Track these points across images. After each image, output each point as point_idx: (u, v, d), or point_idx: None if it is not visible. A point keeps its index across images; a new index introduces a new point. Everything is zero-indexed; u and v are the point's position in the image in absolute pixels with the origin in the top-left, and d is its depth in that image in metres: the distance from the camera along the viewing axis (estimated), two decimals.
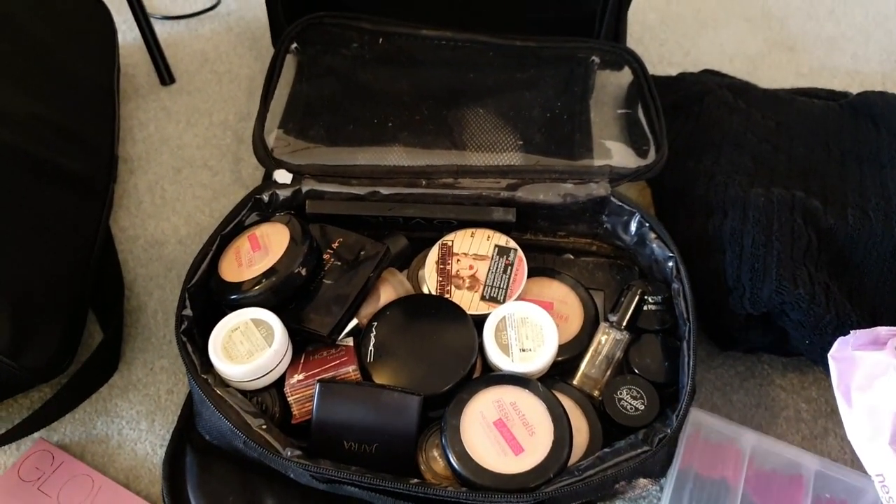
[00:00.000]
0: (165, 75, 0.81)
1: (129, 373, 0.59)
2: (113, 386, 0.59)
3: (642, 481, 0.48)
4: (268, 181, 0.60)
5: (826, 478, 0.49)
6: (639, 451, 0.45)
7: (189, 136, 0.77)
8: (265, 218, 0.58)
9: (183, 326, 0.51)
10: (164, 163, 0.75)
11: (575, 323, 0.55)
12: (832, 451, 0.54)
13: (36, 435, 0.55)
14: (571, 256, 0.62)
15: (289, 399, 0.50)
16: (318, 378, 0.49)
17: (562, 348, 0.53)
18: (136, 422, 0.56)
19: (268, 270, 0.52)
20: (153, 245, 0.69)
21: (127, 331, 0.62)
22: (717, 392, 0.57)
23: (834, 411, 0.56)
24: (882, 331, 0.44)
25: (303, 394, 0.49)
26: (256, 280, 0.52)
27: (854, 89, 0.74)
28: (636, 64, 0.68)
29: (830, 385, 0.56)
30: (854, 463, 0.52)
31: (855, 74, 0.83)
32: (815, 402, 0.56)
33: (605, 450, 0.46)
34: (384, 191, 0.59)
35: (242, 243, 0.55)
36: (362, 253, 0.55)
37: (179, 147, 0.76)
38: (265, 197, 0.59)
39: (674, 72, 0.78)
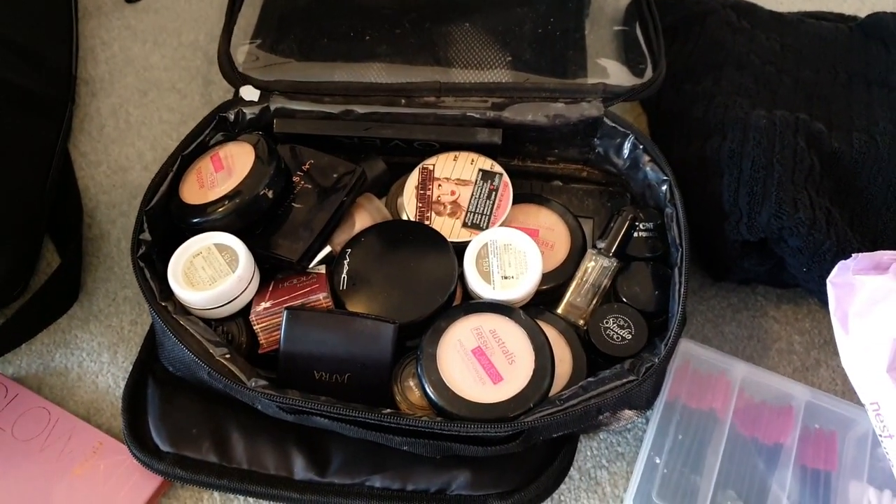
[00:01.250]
0: None
1: (90, 303, 0.56)
2: (73, 317, 0.56)
3: (627, 413, 0.46)
4: (234, 99, 0.56)
5: (816, 408, 0.47)
6: (624, 380, 0.43)
7: (156, 57, 0.72)
8: (230, 138, 0.54)
9: (140, 251, 0.48)
10: (128, 85, 0.70)
11: (561, 251, 0.52)
12: (823, 382, 0.52)
13: None
14: (560, 183, 0.58)
15: (255, 328, 0.47)
16: (286, 306, 0.46)
17: (547, 276, 0.50)
18: (97, 354, 0.54)
19: (231, 192, 0.48)
20: (116, 171, 0.65)
21: (88, 259, 0.59)
22: (709, 324, 0.54)
23: (827, 343, 0.54)
24: (884, 255, 0.42)
25: (270, 322, 0.47)
26: (219, 202, 0.48)
27: (864, 13, 0.69)
28: None
29: (825, 317, 0.54)
30: (846, 394, 0.51)
31: None
32: (808, 333, 0.54)
33: (589, 379, 0.44)
34: (360, 109, 0.55)
35: (205, 164, 0.51)
36: (335, 176, 0.52)
37: (145, 68, 0.71)
38: (230, 115, 0.55)
39: None
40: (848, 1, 0.78)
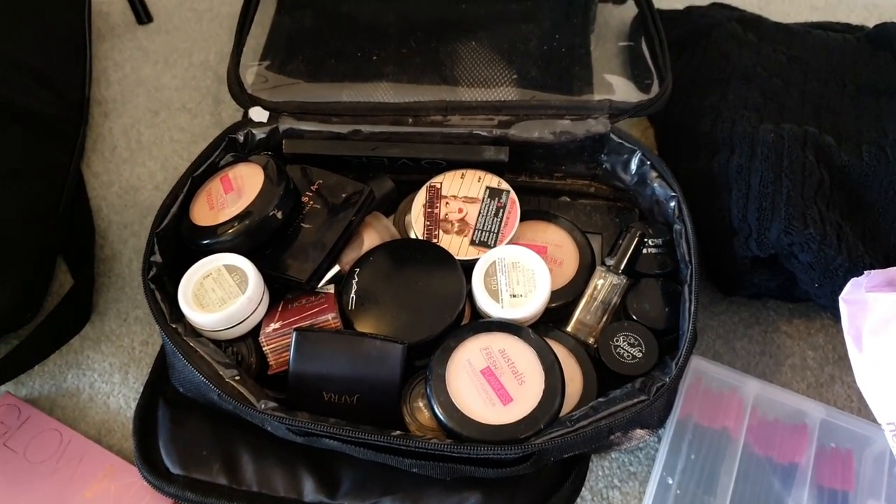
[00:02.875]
0: (142, 13, 0.76)
1: (102, 324, 0.57)
2: (85, 337, 0.56)
3: (639, 432, 0.45)
4: (244, 120, 0.56)
5: (831, 426, 0.47)
6: (635, 400, 0.43)
7: (167, 78, 0.73)
8: (240, 159, 0.54)
9: (151, 273, 0.48)
10: (140, 105, 0.71)
11: (570, 267, 0.52)
12: (838, 399, 0.51)
13: (2, 388, 0.52)
14: (568, 199, 0.58)
15: (264, 349, 0.47)
16: (295, 326, 0.46)
17: (555, 294, 0.50)
18: (108, 374, 0.54)
19: (241, 213, 0.48)
20: (128, 191, 0.65)
21: (100, 280, 0.59)
22: (720, 339, 0.54)
23: (841, 358, 0.53)
24: None
25: (279, 343, 0.47)
26: (229, 223, 0.48)
27: (871, 23, 0.68)
28: None
29: (838, 332, 0.54)
30: (861, 411, 0.50)
31: (873, 8, 0.78)
32: (821, 349, 0.54)
33: (600, 399, 0.44)
34: (368, 129, 0.55)
35: (215, 185, 0.52)
36: (344, 195, 0.52)
37: (157, 89, 0.72)
38: (240, 136, 0.55)
39: (680, 5, 0.73)
40: (855, 11, 0.77)
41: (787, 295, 0.54)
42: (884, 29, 0.64)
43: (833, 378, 0.52)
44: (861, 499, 0.44)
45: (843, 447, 0.46)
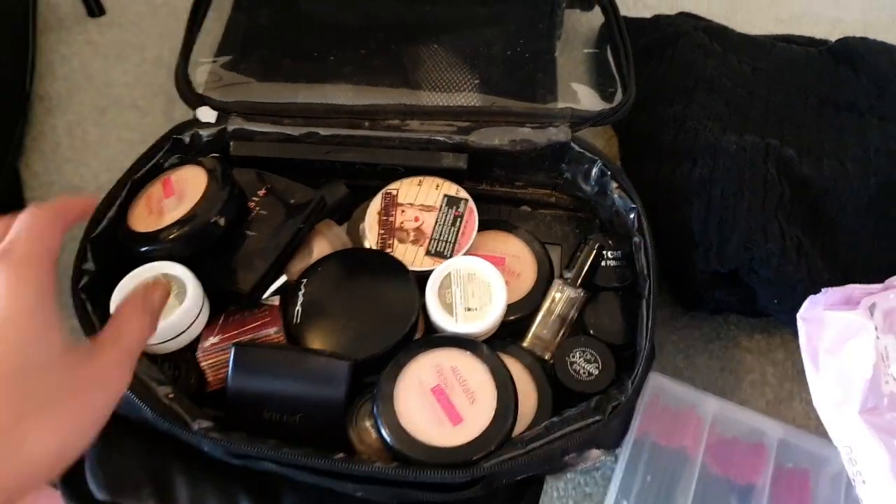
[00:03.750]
0: (94, 5, 0.72)
1: None
2: None
3: (594, 452, 0.44)
4: (191, 120, 0.53)
5: (789, 446, 0.46)
6: (589, 420, 0.41)
7: (117, 73, 0.69)
8: (186, 161, 0.52)
9: (83, 282, 0.45)
10: (87, 102, 0.67)
11: (528, 280, 0.50)
12: (797, 416, 0.51)
13: None
14: (528, 208, 0.56)
15: (202, 364, 0.44)
16: (234, 341, 0.44)
17: (512, 307, 0.48)
18: None
19: (181, 219, 0.46)
20: (69, 192, 0.62)
21: None
22: (680, 354, 0.53)
23: (800, 374, 0.52)
24: (855, 289, 0.40)
25: (218, 358, 0.44)
26: (168, 229, 0.45)
27: (834, 38, 0.68)
28: (607, 2, 0.62)
29: (798, 347, 0.53)
30: (819, 429, 0.49)
31: (836, 22, 0.78)
32: (781, 364, 0.53)
33: (553, 419, 0.42)
34: (322, 132, 0.53)
35: (156, 189, 0.49)
36: (293, 202, 0.49)
37: (106, 85, 0.68)
38: (186, 137, 0.53)
39: (648, 14, 0.72)
40: (819, 24, 0.77)
41: (748, 310, 0.53)
42: (845, 43, 0.64)
43: (792, 394, 0.51)
44: None
45: (800, 467, 0.46)
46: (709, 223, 0.48)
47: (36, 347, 0.27)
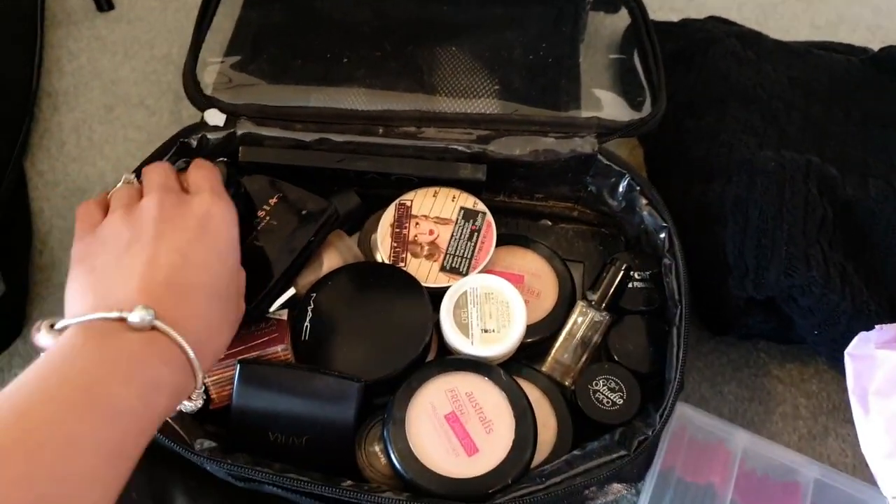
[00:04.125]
0: (103, 0, 0.71)
1: None
2: (14, 354, 0.51)
3: (616, 486, 0.41)
4: (199, 123, 0.51)
5: (825, 487, 0.43)
6: (614, 455, 0.39)
7: (125, 70, 0.67)
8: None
9: None
10: (94, 99, 0.65)
11: (548, 300, 0.48)
12: (832, 453, 0.47)
13: None
14: (549, 222, 0.54)
15: (206, 381, 0.42)
16: (239, 358, 0.41)
17: (531, 329, 0.46)
18: None
19: None
20: (74, 193, 0.60)
21: (36, 290, 0.54)
22: (706, 382, 0.50)
23: (836, 408, 0.49)
24: None
25: (222, 375, 0.42)
26: None
27: (875, 45, 0.65)
28: (634, 4, 0.59)
29: (834, 378, 0.50)
30: (857, 469, 0.46)
31: (876, 29, 0.74)
32: (815, 396, 0.50)
33: (575, 452, 0.40)
34: (334, 138, 0.50)
35: None
36: (304, 212, 0.47)
37: (114, 82, 0.66)
38: (193, 141, 0.50)
39: (676, 17, 0.69)
40: (858, 31, 0.74)
41: (782, 337, 0.50)
42: (890, 53, 0.60)
43: (827, 430, 0.48)
44: None
45: None
46: (745, 247, 0.45)
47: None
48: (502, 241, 0.49)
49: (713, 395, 0.49)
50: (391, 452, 0.39)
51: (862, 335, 0.37)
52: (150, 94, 0.66)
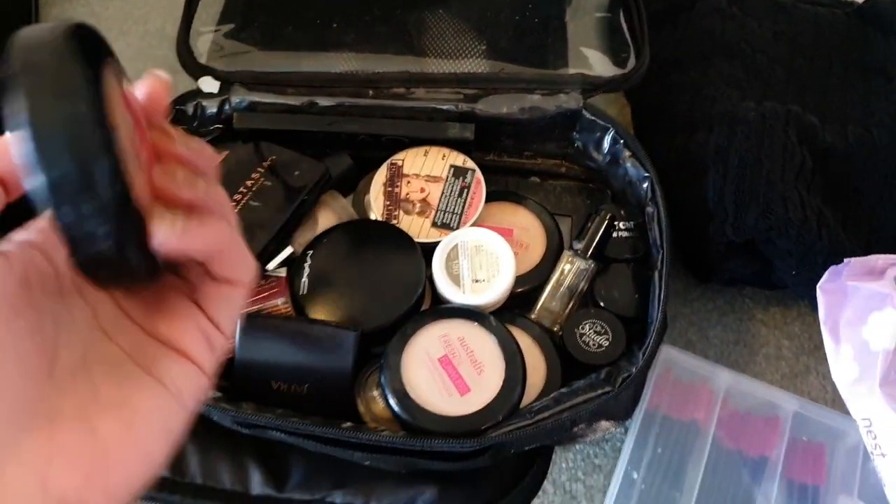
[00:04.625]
0: None
1: None
2: None
3: (604, 424, 0.43)
4: (193, 91, 0.53)
5: (804, 419, 0.45)
6: (599, 391, 0.41)
7: (120, 46, 0.68)
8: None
9: None
10: None
11: (536, 251, 0.49)
12: (812, 390, 0.49)
13: None
14: (538, 179, 0.55)
15: None
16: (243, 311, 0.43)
17: (521, 279, 0.47)
18: None
19: None
20: None
21: None
22: (693, 327, 0.52)
23: (817, 348, 0.51)
24: (879, 259, 0.39)
25: None
26: None
27: None
28: None
29: (815, 321, 0.51)
30: (836, 403, 0.48)
31: None
32: (797, 338, 0.52)
33: (562, 390, 0.41)
34: (325, 102, 0.51)
35: None
36: (297, 173, 0.49)
37: None
38: (189, 108, 0.52)
39: None
40: None
41: (764, 282, 0.51)
42: (874, 5, 0.61)
43: (808, 368, 0.50)
44: (832, 494, 0.43)
45: (815, 440, 0.45)
46: (725, 193, 0.46)
47: None
48: (491, 197, 0.51)
49: (699, 340, 0.51)
50: (388, 395, 0.41)
51: (833, 269, 0.39)
52: (145, 68, 0.66)
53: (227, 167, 0.49)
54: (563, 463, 0.47)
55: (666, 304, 0.42)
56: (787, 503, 0.43)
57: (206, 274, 0.23)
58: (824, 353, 0.50)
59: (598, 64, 0.55)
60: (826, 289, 0.39)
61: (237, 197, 0.48)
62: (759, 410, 0.45)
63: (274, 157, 0.49)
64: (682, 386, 0.46)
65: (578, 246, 0.48)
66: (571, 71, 0.53)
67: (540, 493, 0.45)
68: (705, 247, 0.48)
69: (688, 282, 0.54)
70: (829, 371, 0.50)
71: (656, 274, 0.44)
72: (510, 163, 0.55)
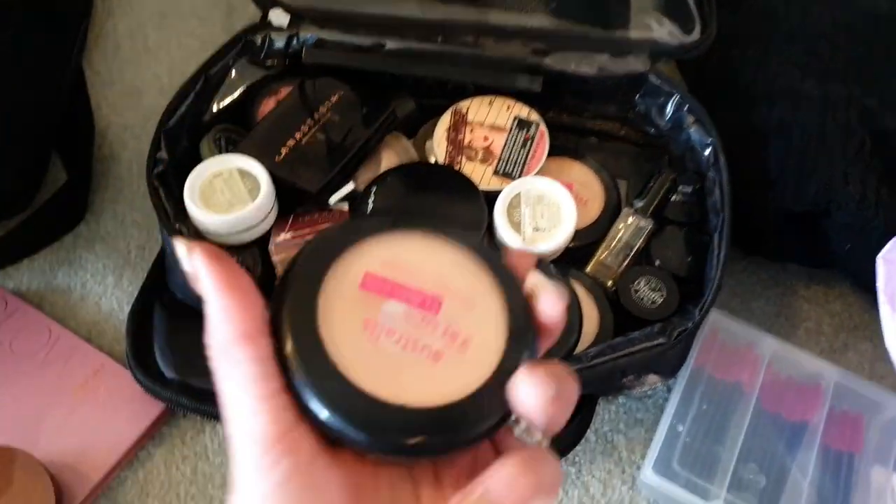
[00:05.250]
0: None
1: (98, 224, 0.54)
2: (78, 236, 0.53)
3: (651, 378, 0.44)
4: (262, 23, 0.53)
5: (845, 390, 0.46)
6: (654, 342, 0.41)
7: None
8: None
9: (157, 170, 0.45)
10: (147, 6, 0.67)
11: (595, 208, 0.50)
12: (851, 366, 0.50)
13: None
14: (596, 140, 0.56)
15: (273, 258, 0.45)
16: (306, 238, 0.44)
17: (578, 234, 0.48)
18: (101, 276, 0.51)
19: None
20: (131, 93, 0.62)
21: (97, 180, 0.56)
22: (737, 298, 0.53)
23: (857, 327, 0.52)
24: None
25: (289, 254, 0.44)
26: None
27: None
28: None
29: (857, 300, 0.53)
30: (872, 380, 0.49)
31: None
32: (838, 316, 0.53)
33: (618, 339, 0.42)
34: (393, 45, 0.52)
35: None
36: (364, 111, 0.49)
37: None
38: (257, 39, 0.52)
39: None
40: None
41: (810, 259, 0.52)
42: None
43: (847, 346, 0.51)
44: (867, 463, 0.44)
45: (853, 411, 0.46)
46: (787, 164, 0.47)
47: None
48: (552, 152, 0.51)
49: (742, 310, 0.52)
50: None
51: (895, 240, 0.39)
52: (202, 5, 0.67)
53: (295, 100, 0.49)
54: (606, 415, 0.47)
55: (726, 264, 0.43)
56: (823, 467, 0.44)
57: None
58: (864, 333, 0.52)
59: (664, 31, 0.55)
60: (888, 258, 0.40)
61: (304, 129, 0.48)
62: (801, 378, 0.46)
63: (341, 94, 0.50)
64: (727, 349, 0.47)
65: (639, 204, 0.49)
66: (637, 34, 0.54)
67: (582, 441, 0.46)
68: (759, 217, 0.49)
69: (733, 254, 0.54)
70: (867, 349, 0.51)
71: (716, 236, 0.45)
72: (569, 122, 0.55)
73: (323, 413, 0.20)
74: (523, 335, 0.22)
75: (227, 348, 0.19)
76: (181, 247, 0.20)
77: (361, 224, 0.25)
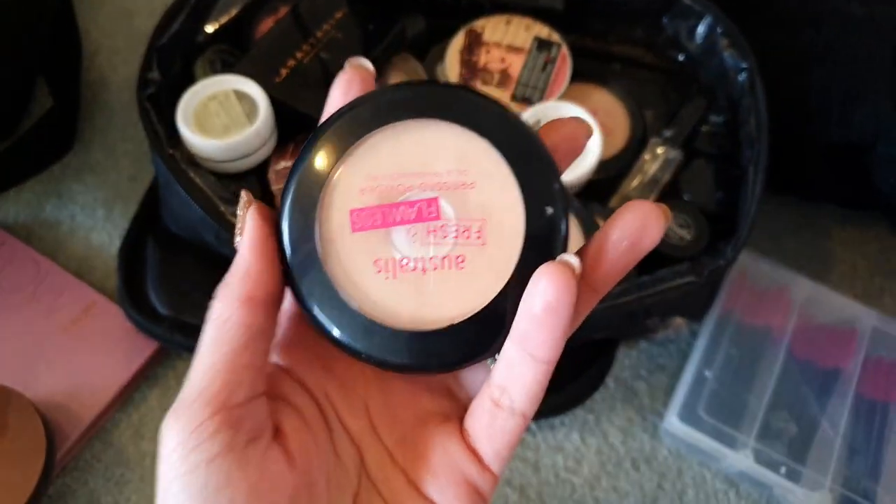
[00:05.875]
0: None
1: (87, 154, 0.51)
2: (66, 166, 0.50)
3: (677, 321, 0.42)
4: None
5: (882, 335, 0.43)
6: (684, 280, 0.38)
7: None
8: None
9: (148, 92, 0.41)
10: None
11: (619, 138, 0.46)
12: (886, 310, 0.47)
13: None
14: (620, 66, 0.51)
15: (272, 188, 0.41)
16: None
17: (602, 165, 0.45)
18: (91, 208, 0.48)
19: None
20: (121, 15, 0.58)
21: (86, 106, 0.53)
22: (768, 238, 0.49)
23: (893, 271, 0.49)
24: None
25: None
26: None
27: None
28: None
29: (892, 244, 0.50)
30: None
31: None
32: (873, 258, 0.49)
33: (644, 277, 0.39)
34: None
35: None
36: (370, 27, 0.45)
37: None
38: None
39: None
40: None
41: (846, 198, 0.49)
42: None
43: (883, 289, 0.48)
44: None
45: (890, 359, 0.43)
46: (832, 91, 0.43)
47: None
48: (575, 78, 0.47)
49: (773, 250, 0.49)
50: None
51: None
52: None
53: (296, 17, 0.45)
54: (626, 360, 0.45)
55: (762, 198, 0.40)
56: (856, 416, 0.41)
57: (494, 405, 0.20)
58: None
59: None
60: None
61: (305, 48, 0.44)
62: (836, 323, 0.44)
63: (345, 11, 0.46)
64: (757, 292, 0.44)
65: (668, 134, 0.45)
66: None
67: (601, 387, 0.43)
68: (798, 150, 0.45)
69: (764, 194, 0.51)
70: None
71: (751, 168, 0.41)
72: (593, 46, 0.51)
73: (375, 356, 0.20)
74: (538, 192, 0.19)
75: (231, 301, 0.19)
76: (245, 196, 0.20)
77: (328, 141, 0.21)
